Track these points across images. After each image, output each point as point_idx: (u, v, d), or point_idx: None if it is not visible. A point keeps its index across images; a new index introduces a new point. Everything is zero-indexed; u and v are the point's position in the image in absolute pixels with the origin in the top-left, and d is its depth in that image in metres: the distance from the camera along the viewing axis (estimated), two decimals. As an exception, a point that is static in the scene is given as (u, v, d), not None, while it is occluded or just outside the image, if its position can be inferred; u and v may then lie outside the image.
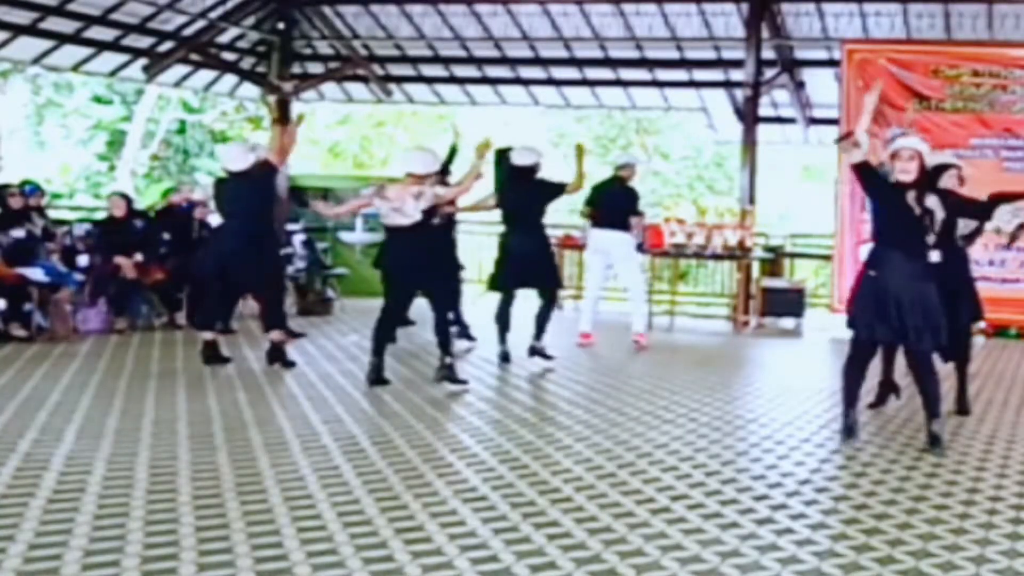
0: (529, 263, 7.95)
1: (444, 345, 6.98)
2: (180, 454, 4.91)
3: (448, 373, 6.90)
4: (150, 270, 9.53)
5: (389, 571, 3.46)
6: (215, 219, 11.05)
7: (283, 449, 5.08)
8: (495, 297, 8.24)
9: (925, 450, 5.45)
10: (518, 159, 8.09)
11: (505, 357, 8.00)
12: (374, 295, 13.15)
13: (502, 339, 8.06)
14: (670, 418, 6.16)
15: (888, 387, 6.78)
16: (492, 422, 5.89)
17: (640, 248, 10.06)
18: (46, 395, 6.25)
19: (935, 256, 5.49)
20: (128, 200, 10.03)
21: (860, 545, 3.88)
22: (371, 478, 4.58)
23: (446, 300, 7.27)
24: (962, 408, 6.65)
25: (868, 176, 5.57)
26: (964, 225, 6.68)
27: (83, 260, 9.64)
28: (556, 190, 7.98)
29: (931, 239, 5.42)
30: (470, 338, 8.85)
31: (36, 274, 8.62)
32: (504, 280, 8.14)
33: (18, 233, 8.83)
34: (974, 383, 7.95)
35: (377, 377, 6.91)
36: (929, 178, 5.56)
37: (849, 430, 5.67)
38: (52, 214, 11.21)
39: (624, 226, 9.21)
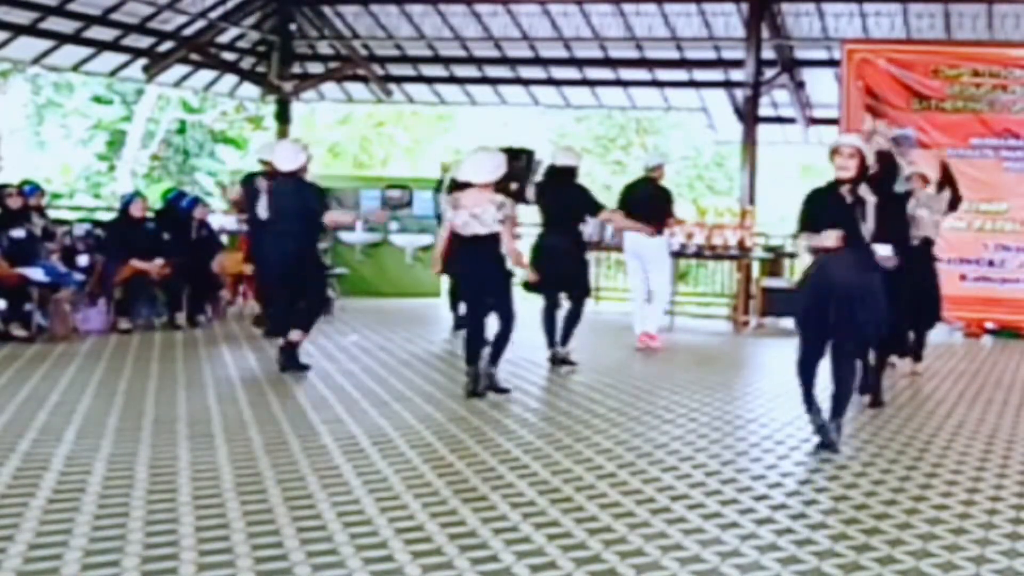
0: (561, 265, 7.86)
1: (496, 355, 6.74)
2: (180, 454, 4.91)
3: (491, 383, 6.70)
4: (160, 267, 9.56)
5: (389, 571, 3.46)
6: (216, 220, 11.08)
7: (283, 449, 5.07)
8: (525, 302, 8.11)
9: (820, 448, 5.43)
10: (559, 160, 8.08)
11: (554, 360, 7.93)
12: (374, 295, 13.27)
13: (550, 343, 8.00)
14: (670, 418, 6.16)
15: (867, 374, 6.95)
16: (492, 422, 5.89)
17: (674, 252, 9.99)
18: (46, 395, 6.24)
19: (884, 250, 5.51)
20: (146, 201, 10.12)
21: (860, 545, 3.88)
22: (371, 478, 4.58)
23: (512, 310, 6.81)
24: (875, 400, 6.80)
25: (806, 220, 5.60)
26: (930, 216, 6.83)
27: (83, 260, 9.64)
28: (590, 208, 8.02)
29: (868, 230, 5.36)
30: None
31: (36, 274, 8.62)
32: (541, 282, 7.90)
33: (18, 233, 8.83)
34: (975, 382, 7.97)
35: (474, 386, 6.60)
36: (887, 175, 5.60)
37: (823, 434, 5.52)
38: (52, 214, 11.20)
39: (658, 228, 9.08)
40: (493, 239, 6.61)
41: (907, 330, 7.78)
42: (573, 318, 8.03)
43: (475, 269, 6.70)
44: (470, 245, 6.64)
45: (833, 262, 5.40)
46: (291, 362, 7.30)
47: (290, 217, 7.25)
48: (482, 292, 6.79)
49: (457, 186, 7.05)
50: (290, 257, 7.27)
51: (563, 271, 7.91)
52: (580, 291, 8.09)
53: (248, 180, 9.15)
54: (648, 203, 9.08)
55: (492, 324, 6.87)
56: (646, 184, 9.26)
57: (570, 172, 8.02)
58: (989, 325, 11.23)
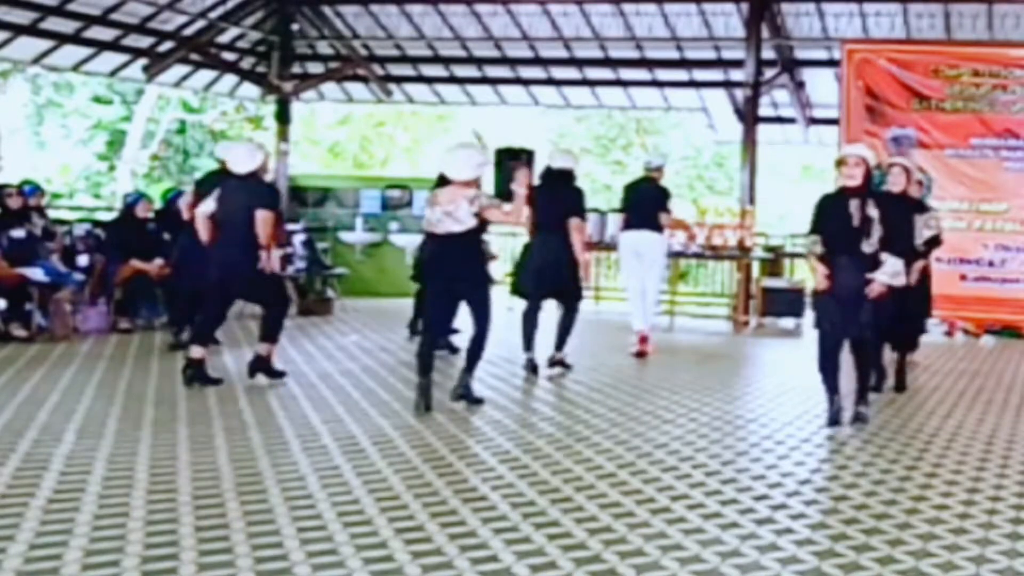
0: (552, 269, 7.69)
1: (473, 361, 6.42)
2: (180, 454, 4.91)
3: (466, 392, 6.38)
4: (160, 267, 9.56)
5: (389, 571, 3.46)
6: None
7: (283, 449, 5.07)
8: (522, 303, 7.90)
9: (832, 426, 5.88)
10: (555, 162, 7.98)
11: (532, 367, 7.64)
12: (374, 295, 13.27)
13: (528, 347, 7.69)
14: (670, 418, 6.16)
15: (879, 373, 7.13)
16: (492, 422, 5.89)
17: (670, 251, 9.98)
18: (46, 395, 6.24)
19: (894, 266, 5.76)
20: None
21: (860, 545, 3.88)
22: (371, 478, 4.58)
23: (488, 314, 6.44)
24: (900, 386, 7.34)
25: (816, 224, 5.95)
26: (917, 232, 6.94)
27: (83, 260, 9.64)
28: (575, 213, 7.80)
29: (871, 245, 5.69)
30: (452, 349, 8.34)
31: (36, 274, 8.62)
32: (525, 284, 7.88)
33: (18, 233, 8.83)
34: (975, 382, 7.97)
35: (427, 401, 6.19)
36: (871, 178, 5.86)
37: (836, 416, 5.93)
38: (52, 214, 11.21)
39: (657, 227, 9.01)
40: (469, 237, 6.29)
41: (920, 326, 7.90)
42: (567, 324, 7.83)
43: (447, 267, 6.33)
44: (444, 243, 6.30)
45: (841, 268, 5.76)
46: (267, 371, 6.90)
47: (238, 222, 6.80)
48: (450, 292, 6.38)
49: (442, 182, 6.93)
50: (234, 265, 6.84)
51: (552, 277, 7.72)
52: (573, 297, 7.87)
53: (205, 180, 8.48)
54: (649, 202, 9.06)
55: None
56: (646, 183, 9.23)
57: (566, 175, 7.88)
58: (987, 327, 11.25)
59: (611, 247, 11.86)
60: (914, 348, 8.02)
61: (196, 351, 6.86)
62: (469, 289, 6.38)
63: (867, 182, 5.74)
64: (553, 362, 7.80)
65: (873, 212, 5.65)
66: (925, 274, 7.53)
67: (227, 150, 7.84)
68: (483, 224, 6.35)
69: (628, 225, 9.13)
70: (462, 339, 7.60)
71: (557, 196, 7.79)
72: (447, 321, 6.93)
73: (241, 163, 6.97)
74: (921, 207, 7.28)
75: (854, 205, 5.65)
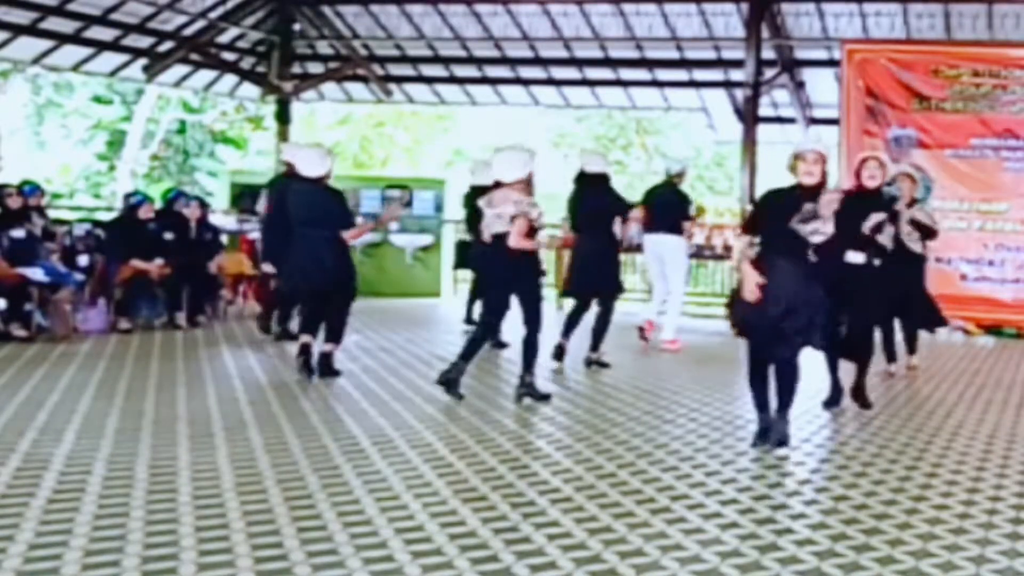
0: (593, 267, 7.95)
1: (529, 362, 6.56)
2: (180, 454, 4.91)
3: (530, 390, 6.53)
4: (160, 267, 9.56)
5: (389, 571, 3.46)
6: (216, 219, 11.07)
7: (283, 449, 5.07)
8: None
9: (757, 446, 5.43)
10: (589, 166, 8.16)
11: (559, 353, 7.86)
12: (374, 295, 13.26)
13: (565, 334, 7.94)
14: (670, 418, 6.16)
15: (836, 387, 6.66)
16: (491, 423, 5.89)
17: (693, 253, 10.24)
18: (46, 395, 6.24)
19: (855, 257, 5.52)
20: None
21: (860, 545, 3.88)
22: (371, 478, 4.58)
23: (538, 314, 6.66)
24: (862, 402, 6.61)
25: (757, 223, 5.57)
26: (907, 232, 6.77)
27: (83, 260, 9.64)
28: (623, 208, 8.07)
29: (816, 242, 5.25)
30: (502, 345, 8.52)
31: (36, 274, 8.61)
32: (575, 286, 8.18)
33: (18, 233, 8.83)
34: (975, 382, 7.97)
35: (451, 380, 6.52)
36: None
37: (763, 434, 5.49)
38: (52, 214, 11.21)
39: (677, 230, 9.35)
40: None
41: (890, 333, 7.78)
42: (603, 322, 8.02)
43: (498, 268, 6.57)
44: (493, 244, 6.50)
45: (778, 272, 5.30)
46: (328, 370, 7.14)
47: (322, 223, 7.17)
48: (500, 291, 6.66)
49: (480, 189, 7.07)
50: (327, 263, 7.16)
51: (593, 274, 7.99)
52: (611, 291, 8.09)
53: (275, 183, 9.11)
54: (667, 207, 9.33)
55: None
56: (667, 188, 9.51)
57: (601, 178, 8.09)
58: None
59: (630, 248, 11.87)
60: (892, 359, 7.82)
61: (305, 338, 7.16)
62: (522, 289, 6.61)
63: (824, 180, 5.33)
64: (590, 362, 8.00)
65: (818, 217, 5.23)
66: (919, 276, 7.41)
67: (295, 152, 8.25)
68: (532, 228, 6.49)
69: (649, 228, 9.45)
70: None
71: (595, 199, 8.02)
72: (500, 322, 7.05)
73: (313, 167, 7.35)
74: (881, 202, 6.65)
75: (808, 208, 5.23)
